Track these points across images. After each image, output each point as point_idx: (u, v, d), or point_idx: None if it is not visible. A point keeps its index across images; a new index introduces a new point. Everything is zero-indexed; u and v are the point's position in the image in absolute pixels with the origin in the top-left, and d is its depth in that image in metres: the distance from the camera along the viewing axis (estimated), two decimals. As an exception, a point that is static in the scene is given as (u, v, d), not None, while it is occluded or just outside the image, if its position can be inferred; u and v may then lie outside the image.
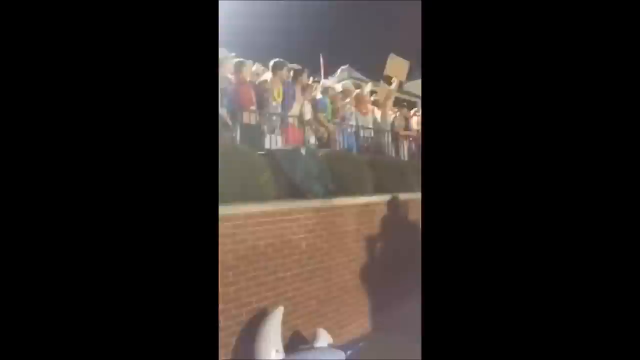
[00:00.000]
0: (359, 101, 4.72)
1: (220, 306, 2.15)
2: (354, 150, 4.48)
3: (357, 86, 5.59)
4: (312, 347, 2.54)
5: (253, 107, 3.57)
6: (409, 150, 5.54)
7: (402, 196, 3.99)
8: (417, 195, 4.20)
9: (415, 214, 4.08)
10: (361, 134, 4.67)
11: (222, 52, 3.54)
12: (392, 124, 5.30)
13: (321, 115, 4.23)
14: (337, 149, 4.22)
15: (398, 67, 5.18)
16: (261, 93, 3.66)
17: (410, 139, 5.31)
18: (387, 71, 5.13)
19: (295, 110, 3.76)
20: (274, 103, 3.54)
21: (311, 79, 5.31)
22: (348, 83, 4.94)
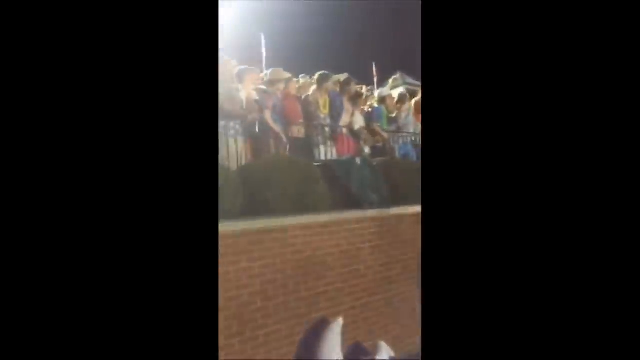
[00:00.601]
0: (416, 109, 4.63)
1: (283, 314, 2.20)
2: (413, 158, 4.40)
3: (412, 93, 5.50)
4: (374, 359, 2.51)
5: (301, 121, 3.64)
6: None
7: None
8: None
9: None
10: (418, 141, 4.57)
11: (276, 71, 3.68)
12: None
13: (375, 125, 4.22)
14: (394, 157, 4.17)
15: None
16: (307, 106, 3.74)
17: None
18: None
19: (344, 120, 3.78)
20: (321, 115, 3.59)
21: (364, 88, 5.32)
22: (402, 91, 4.86)
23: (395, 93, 5.13)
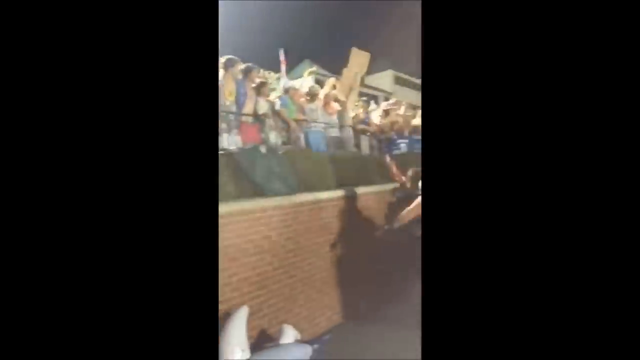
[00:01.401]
0: (326, 102, 4.74)
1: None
2: (320, 149, 4.51)
3: (320, 83, 5.58)
4: (278, 344, 2.56)
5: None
6: (370, 144, 5.63)
7: (364, 190, 4.08)
8: (378, 188, 4.30)
9: (376, 207, 4.18)
10: (326, 132, 4.70)
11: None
12: (354, 119, 5.37)
13: (283, 111, 4.22)
14: (300, 146, 4.23)
15: (360, 60, 5.24)
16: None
17: (369, 133, 5.38)
18: (351, 65, 5.17)
19: (248, 108, 3.72)
20: (226, 102, 3.48)
21: (271, 74, 5.23)
22: (314, 86, 4.91)
23: (305, 83, 5.17)
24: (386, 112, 5.96)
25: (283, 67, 5.74)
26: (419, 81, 32.70)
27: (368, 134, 5.29)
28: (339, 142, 5.04)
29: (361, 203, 4.02)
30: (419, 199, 3.20)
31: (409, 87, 31.32)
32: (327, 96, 4.75)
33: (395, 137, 5.92)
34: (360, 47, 5.31)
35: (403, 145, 5.83)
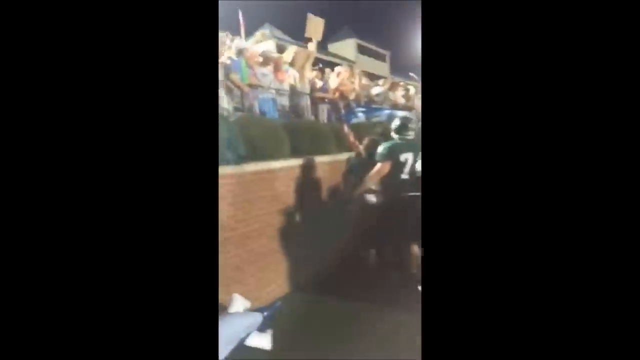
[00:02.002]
0: (276, 68, 4.56)
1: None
2: (273, 115, 4.38)
3: (281, 48, 5.37)
4: (227, 314, 2.55)
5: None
6: (328, 113, 5.56)
7: (319, 159, 4.04)
8: (333, 158, 4.28)
9: (330, 176, 4.18)
10: (278, 99, 4.57)
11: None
12: (312, 86, 5.25)
13: (234, 76, 4.04)
14: (253, 113, 4.09)
15: (316, 27, 5.09)
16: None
17: (327, 100, 5.30)
18: (308, 32, 5.01)
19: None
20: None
21: (228, 37, 4.97)
22: (268, 49, 4.71)
23: (260, 47, 4.96)
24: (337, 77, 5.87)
25: (242, 30, 5.48)
26: (382, 51, 32.64)
27: (326, 100, 5.21)
28: (297, 110, 4.95)
29: (316, 172, 4.00)
30: (377, 166, 3.22)
31: (372, 56, 31.15)
32: (278, 62, 4.58)
33: (353, 105, 5.88)
34: (326, 16, 5.15)
35: (361, 115, 5.82)
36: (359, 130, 4.52)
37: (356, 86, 5.94)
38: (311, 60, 5.32)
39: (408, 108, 7.56)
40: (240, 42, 4.72)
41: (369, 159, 3.47)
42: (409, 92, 7.93)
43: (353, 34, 29.53)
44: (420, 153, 3.21)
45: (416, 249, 3.24)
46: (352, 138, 4.20)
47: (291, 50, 5.02)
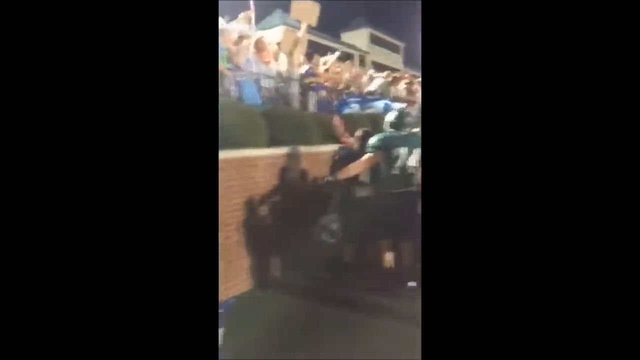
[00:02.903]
0: (259, 48, 4.33)
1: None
2: (256, 101, 4.17)
3: (292, 32, 5.12)
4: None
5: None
6: (320, 102, 5.33)
7: (300, 150, 3.83)
8: (316, 149, 4.07)
9: (312, 168, 3.96)
10: (262, 84, 4.35)
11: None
12: (303, 73, 5.02)
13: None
14: (231, 98, 3.88)
15: (305, 10, 4.83)
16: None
17: (314, 85, 5.05)
18: (293, 14, 4.76)
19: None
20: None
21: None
22: (245, 28, 4.49)
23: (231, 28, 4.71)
24: (325, 66, 5.61)
25: (252, 17, 5.26)
26: (397, 42, 32.01)
27: (314, 85, 4.96)
28: (284, 97, 4.73)
29: (295, 164, 3.79)
30: (366, 156, 3.01)
31: (386, 47, 30.56)
32: (259, 42, 4.34)
33: (345, 96, 5.64)
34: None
35: (355, 105, 5.58)
36: (352, 122, 4.29)
37: (345, 74, 5.68)
38: (302, 46, 5.07)
39: (410, 102, 7.28)
40: (220, 22, 4.48)
41: (361, 151, 3.24)
42: (413, 86, 7.64)
43: (366, 24, 28.97)
44: (415, 148, 2.99)
45: (393, 251, 3.05)
46: (342, 129, 3.97)
47: (277, 30, 4.78)
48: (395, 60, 30.68)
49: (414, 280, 2.98)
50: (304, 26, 4.81)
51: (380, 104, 5.83)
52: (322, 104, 5.28)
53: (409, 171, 2.98)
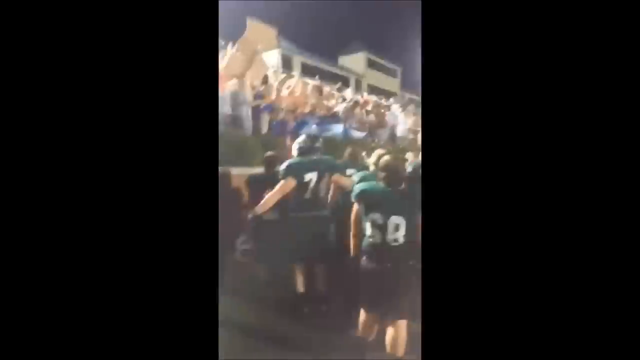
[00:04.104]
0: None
1: None
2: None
3: (286, 59, 5.24)
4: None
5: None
6: (276, 124, 5.42)
7: (234, 171, 3.86)
8: (245, 171, 4.09)
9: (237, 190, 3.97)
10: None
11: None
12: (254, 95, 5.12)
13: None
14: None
15: (260, 34, 4.97)
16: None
17: (262, 107, 5.12)
18: (248, 35, 4.89)
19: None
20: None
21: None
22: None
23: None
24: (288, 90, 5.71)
25: None
26: (393, 66, 32.47)
27: (262, 107, 5.03)
28: (235, 121, 4.82)
29: (224, 187, 3.82)
30: (280, 184, 3.01)
31: (382, 71, 31.01)
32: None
33: (305, 119, 5.72)
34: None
35: (313, 127, 5.64)
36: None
37: (298, 97, 5.78)
38: (258, 70, 5.19)
39: (378, 126, 7.37)
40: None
41: (269, 176, 3.27)
42: (381, 110, 7.76)
43: (364, 48, 29.52)
44: (326, 172, 3.01)
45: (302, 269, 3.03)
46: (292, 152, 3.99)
47: (228, 53, 4.90)
48: (392, 84, 31.09)
49: (326, 305, 2.95)
50: (260, 51, 4.93)
51: (338, 128, 5.90)
52: (276, 127, 5.36)
53: (320, 194, 2.99)
